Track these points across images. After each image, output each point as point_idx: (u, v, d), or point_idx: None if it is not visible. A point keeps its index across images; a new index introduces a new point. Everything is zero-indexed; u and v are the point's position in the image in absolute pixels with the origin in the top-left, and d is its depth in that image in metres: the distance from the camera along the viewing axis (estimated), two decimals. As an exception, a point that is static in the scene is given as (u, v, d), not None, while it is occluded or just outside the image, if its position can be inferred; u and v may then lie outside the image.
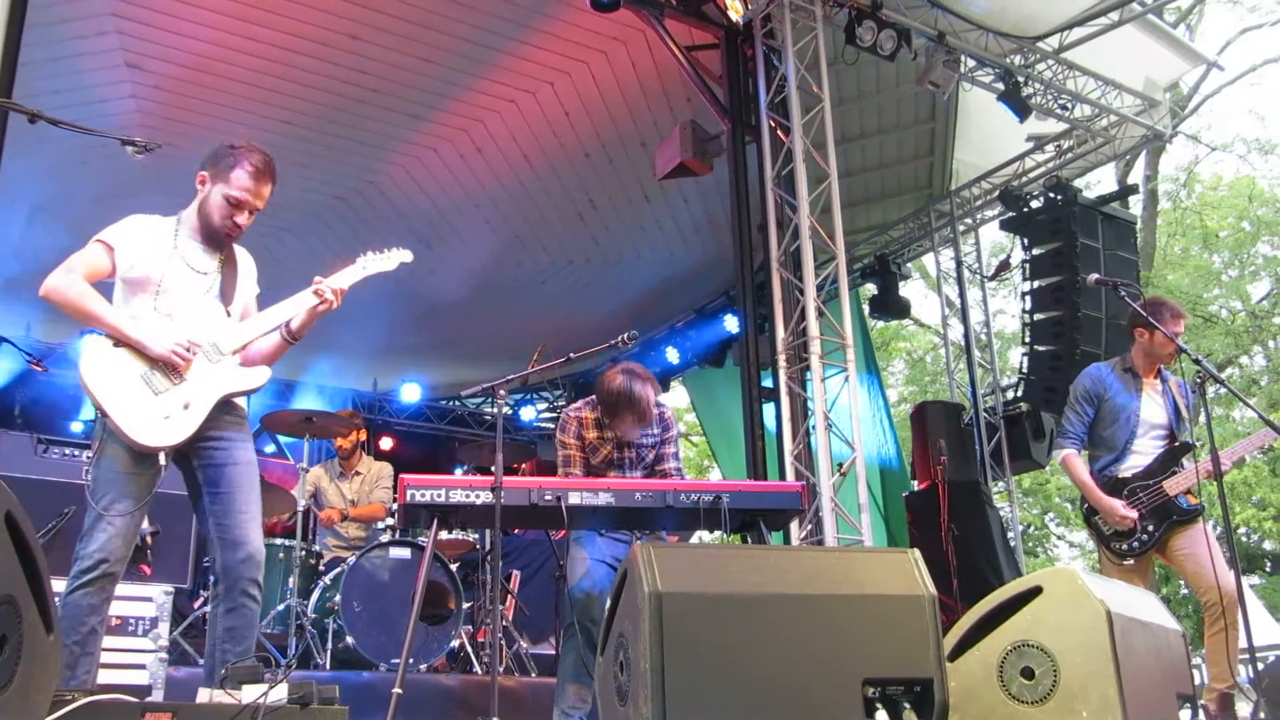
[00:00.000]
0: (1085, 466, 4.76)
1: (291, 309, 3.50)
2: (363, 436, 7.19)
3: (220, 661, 3.22)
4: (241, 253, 3.61)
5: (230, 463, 3.36)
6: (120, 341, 3.21)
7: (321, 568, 6.21)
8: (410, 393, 13.19)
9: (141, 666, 4.12)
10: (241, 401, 3.51)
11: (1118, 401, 4.71)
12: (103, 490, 3.15)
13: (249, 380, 3.41)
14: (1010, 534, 9.86)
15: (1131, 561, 4.57)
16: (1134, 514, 4.54)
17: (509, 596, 7.43)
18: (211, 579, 3.36)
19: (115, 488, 3.16)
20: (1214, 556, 4.39)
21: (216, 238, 3.43)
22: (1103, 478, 4.70)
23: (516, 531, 8.15)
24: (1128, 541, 4.58)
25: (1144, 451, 4.67)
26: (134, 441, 3.13)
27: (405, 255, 3.81)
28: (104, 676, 4.00)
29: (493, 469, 3.82)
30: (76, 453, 4.82)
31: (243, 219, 3.40)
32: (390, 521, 6.50)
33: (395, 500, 5.69)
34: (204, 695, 3.02)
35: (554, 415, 14.24)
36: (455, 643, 5.91)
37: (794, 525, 6.54)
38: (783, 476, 6.95)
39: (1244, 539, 20.87)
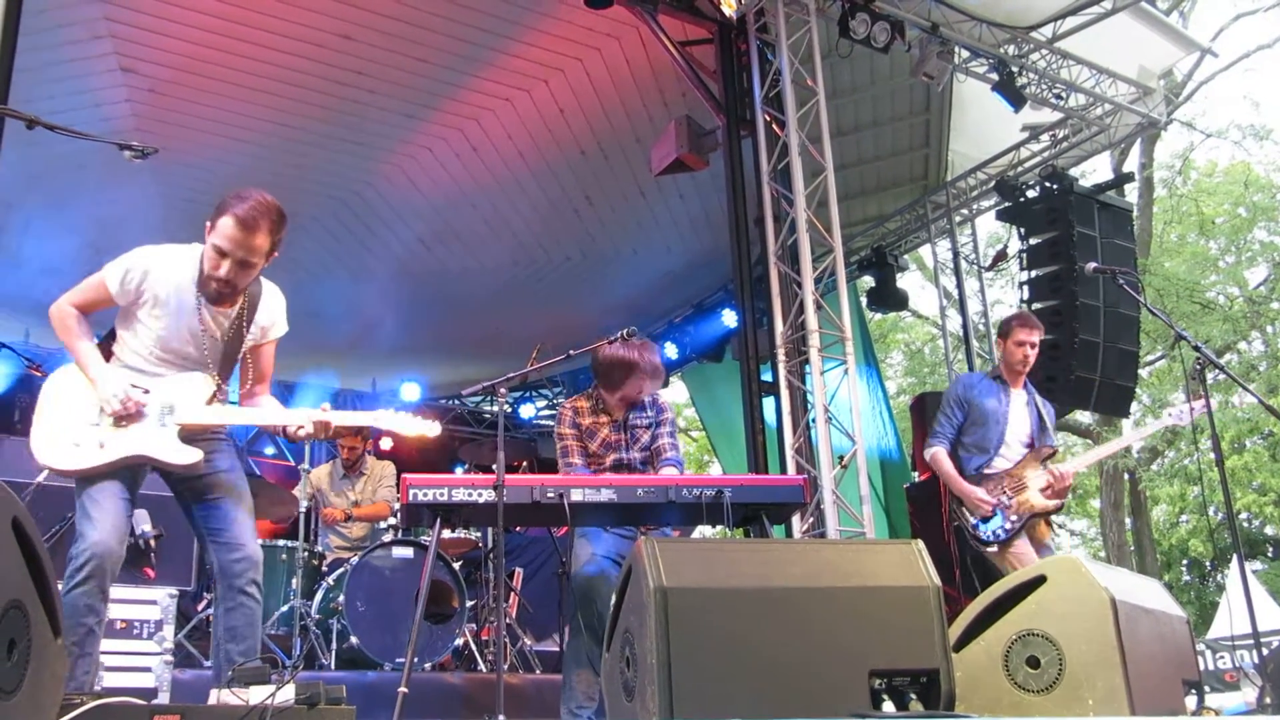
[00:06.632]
0: (950, 462, 5.09)
1: (273, 418, 3.46)
2: (370, 446, 7.20)
3: (225, 661, 3.25)
4: (266, 296, 3.53)
5: (212, 471, 3.39)
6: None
7: (324, 568, 6.22)
8: (409, 392, 13.17)
9: (147, 669, 4.13)
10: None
11: (986, 407, 5.07)
12: (81, 487, 3.22)
13: (174, 455, 3.29)
14: (1011, 524, 9.85)
15: (995, 549, 4.88)
16: (993, 500, 4.88)
17: (512, 594, 7.44)
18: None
19: (100, 492, 3.20)
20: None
21: (210, 291, 3.35)
22: (971, 475, 5.03)
23: (518, 529, 8.15)
24: (992, 529, 4.89)
25: (1009, 456, 5.02)
26: (31, 452, 3.21)
27: (433, 430, 3.57)
28: (110, 679, 4.01)
29: (493, 467, 3.82)
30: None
31: (226, 270, 3.29)
32: (393, 521, 6.51)
33: (399, 499, 5.69)
34: (214, 696, 3.03)
35: (553, 413, 14.23)
36: (459, 641, 5.91)
37: (795, 519, 6.55)
38: (783, 470, 6.95)
39: (1245, 524, 20.91)
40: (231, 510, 3.37)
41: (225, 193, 3.36)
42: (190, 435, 3.33)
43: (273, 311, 3.57)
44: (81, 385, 3.29)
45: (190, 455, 3.29)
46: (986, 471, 5.01)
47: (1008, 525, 4.85)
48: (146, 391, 3.29)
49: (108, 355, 3.40)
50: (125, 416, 3.23)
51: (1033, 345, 5.10)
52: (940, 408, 5.26)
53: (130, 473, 3.27)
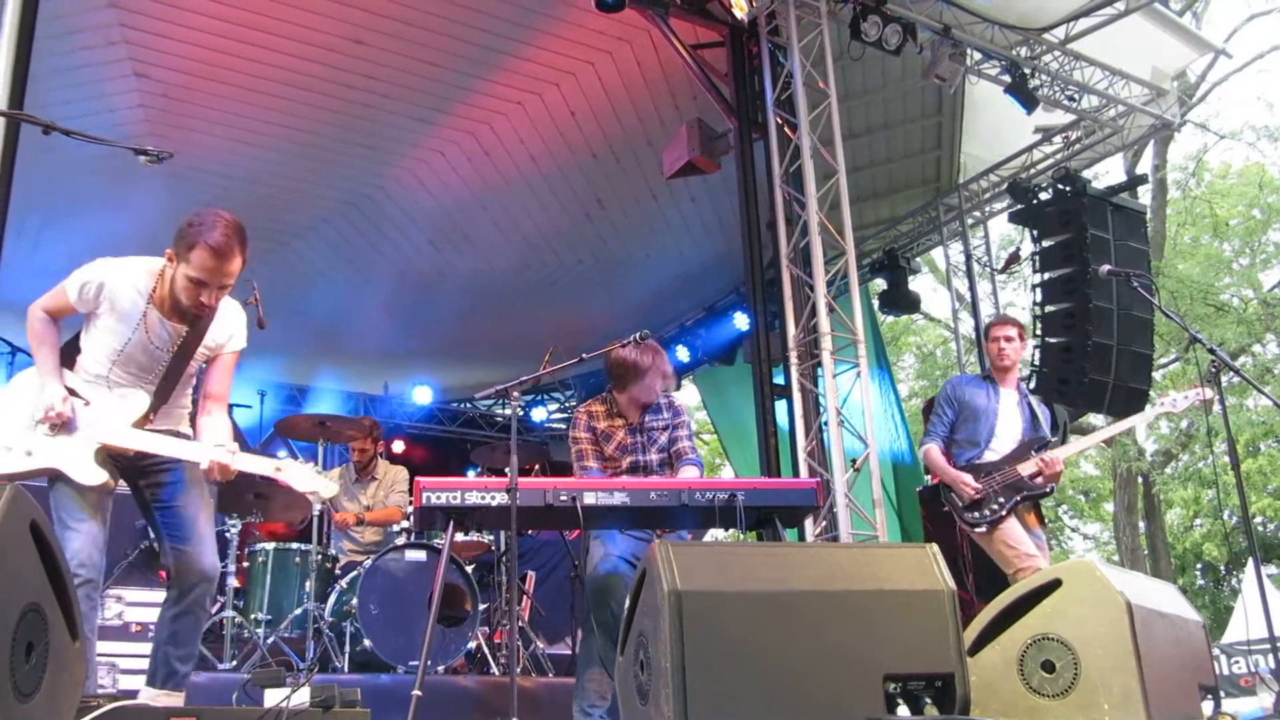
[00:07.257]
0: (942, 456, 5.31)
1: (180, 450, 3.42)
2: (381, 449, 7.22)
3: (162, 662, 3.27)
4: (223, 311, 3.51)
5: (173, 480, 3.40)
6: None
7: (338, 571, 6.23)
8: (422, 395, 13.21)
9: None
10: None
11: (976, 404, 5.29)
12: (50, 488, 3.27)
13: (81, 474, 3.26)
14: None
15: (984, 529, 5.04)
16: (977, 484, 5.05)
17: (525, 597, 7.44)
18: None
19: (66, 497, 3.25)
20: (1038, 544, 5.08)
21: (186, 316, 3.37)
22: (962, 466, 5.21)
23: (531, 532, 8.15)
24: (980, 511, 5.05)
25: (999, 450, 5.20)
26: None
27: (328, 490, 3.60)
28: (125, 682, 4.04)
29: (506, 470, 3.82)
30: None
31: (208, 297, 3.28)
32: (406, 525, 6.52)
33: (411, 503, 5.69)
34: (146, 695, 3.10)
35: (565, 416, 14.27)
36: (472, 644, 5.92)
37: (808, 522, 6.53)
38: (796, 473, 6.93)
39: (1261, 528, 20.78)
40: (188, 516, 3.38)
41: (185, 218, 3.29)
42: (122, 453, 3.34)
43: (230, 326, 3.55)
44: (33, 389, 3.33)
45: (96, 477, 3.26)
46: (977, 463, 5.17)
47: (995, 507, 5.01)
48: (87, 404, 3.31)
49: (75, 359, 3.43)
50: (55, 426, 3.25)
51: (1007, 339, 5.32)
52: (933, 409, 5.48)
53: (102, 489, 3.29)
